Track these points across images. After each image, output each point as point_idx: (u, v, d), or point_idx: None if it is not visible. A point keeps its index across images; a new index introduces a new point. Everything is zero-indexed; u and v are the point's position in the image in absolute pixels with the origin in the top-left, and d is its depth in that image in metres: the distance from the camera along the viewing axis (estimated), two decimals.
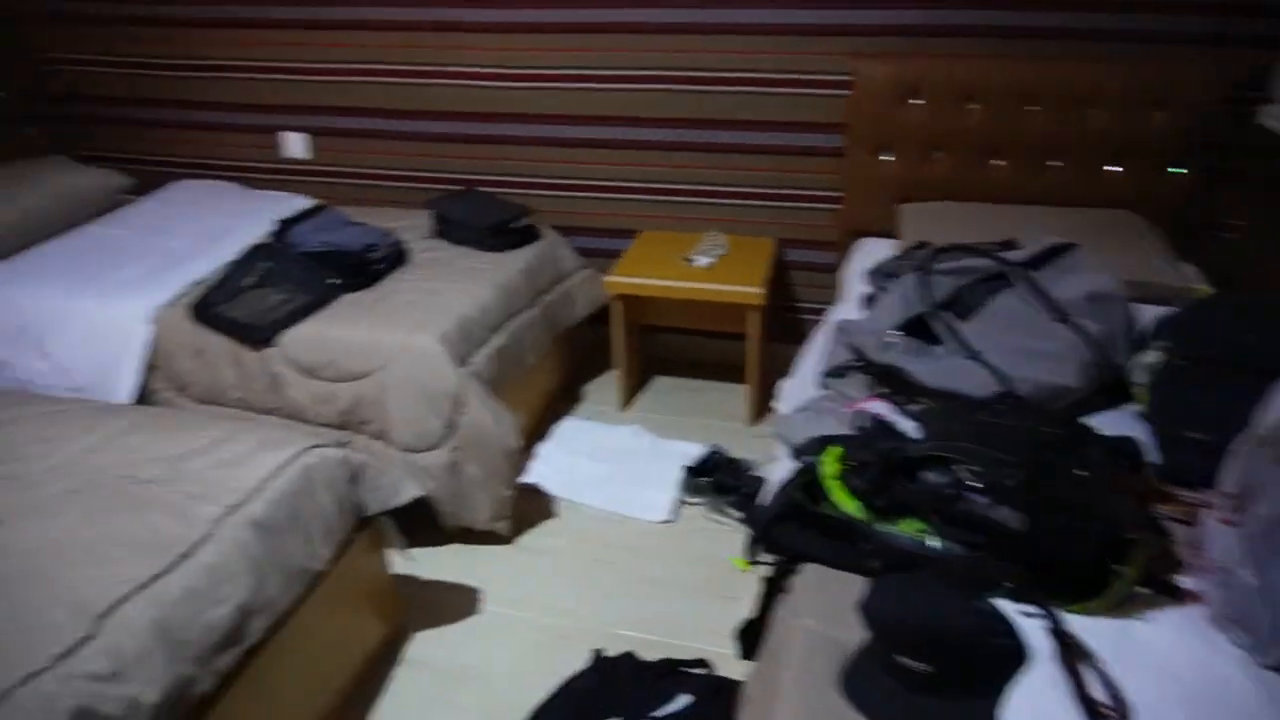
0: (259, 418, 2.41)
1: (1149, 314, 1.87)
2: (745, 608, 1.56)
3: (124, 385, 2.46)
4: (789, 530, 1.44)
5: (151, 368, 2.49)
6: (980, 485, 1.29)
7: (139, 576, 1.43)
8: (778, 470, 1.69)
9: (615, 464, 2.72)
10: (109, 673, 1.30)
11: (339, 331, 2.36)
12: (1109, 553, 1.26)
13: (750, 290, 2.69)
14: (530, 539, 2.48)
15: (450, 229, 2.89)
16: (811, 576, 1.39)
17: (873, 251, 2.54)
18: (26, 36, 3.40)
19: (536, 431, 2.88)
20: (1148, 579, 1.29)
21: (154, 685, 1.35)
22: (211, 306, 2.47)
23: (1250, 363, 1.54)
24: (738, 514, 2.49)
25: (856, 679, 1.19)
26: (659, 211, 3.12)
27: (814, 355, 2.05)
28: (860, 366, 1.83)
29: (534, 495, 2.61)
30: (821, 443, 1.52)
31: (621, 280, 2.81)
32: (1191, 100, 2.40)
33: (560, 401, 3.08)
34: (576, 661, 1.98)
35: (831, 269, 2.94)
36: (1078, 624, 1.25)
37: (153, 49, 3.37)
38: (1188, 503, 1.43)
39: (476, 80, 3.08)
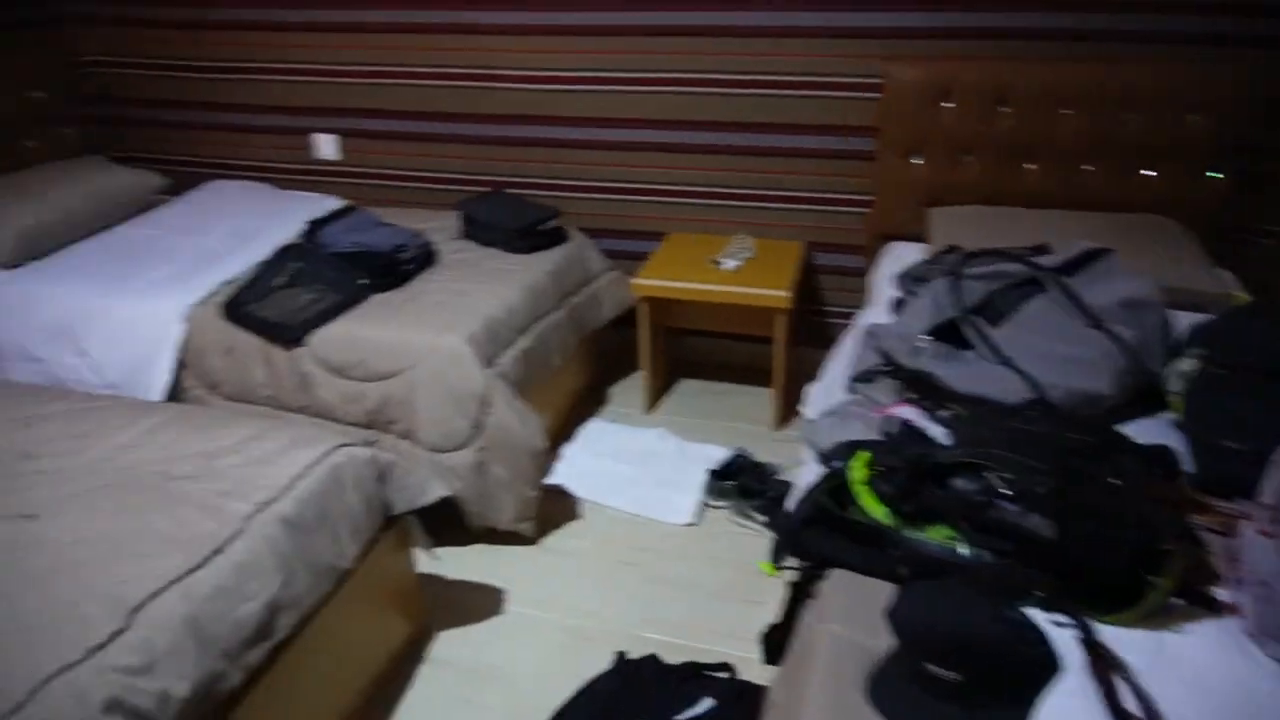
0: (288, 416, 2.43)
1: (1184, 321, 1.84)
2: (769, 612, 1.55)
3: (156, 383, 2.49)
4: (816, 535, 1.43)
5: (183, 365, 2.52)
6: (1011, 492, 1.28)
7: (171, 571, 1.45)
8: (805, 475, 1.68)
9: (640, 466, 2.72)
10: (141, 666, 1.32)
11: (368, 331, 2.38)
12: (1143, 562, 1.24)
13: (778, 294, 2.68)
14: (555, 540, 2.48)
15: (478, 230, 2.90)
16: (839, 582, 1.38)
17: (902, 256, 2.52)
18: (62, 39, 3.46)
19: (562, 433, 2.89)
20: (1182, 590, 1.27)
21: (184, 679, 1.37)
22: (242, 306, 2.49)
23: None
24: (762, 518, 2.48)
25: (884, 686, 1.18)
26: (686, 214, 3.12)
27: (842, 359, 2.04)
28: (889, 371, 1.82)
29: (559, 496, 2.61)
30: (850, 448, 1.51)
31: (648, 283, 2.81)
32: (1226, 103, 2.37)
33: (586, 403, 3.08)
34: (599, 663, 1.98)
35: (860, 273, 2.93)
36: (1110, 634, 1.23)
37: (187, 51, 3.42)
38: (1224, 513, 1.40)
39: (506, 83, 3.09)
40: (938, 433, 1.52)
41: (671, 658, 1.98)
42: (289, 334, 2.41)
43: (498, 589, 2.31)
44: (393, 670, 2.04)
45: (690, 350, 3.31)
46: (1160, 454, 1.47)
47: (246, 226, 2.95)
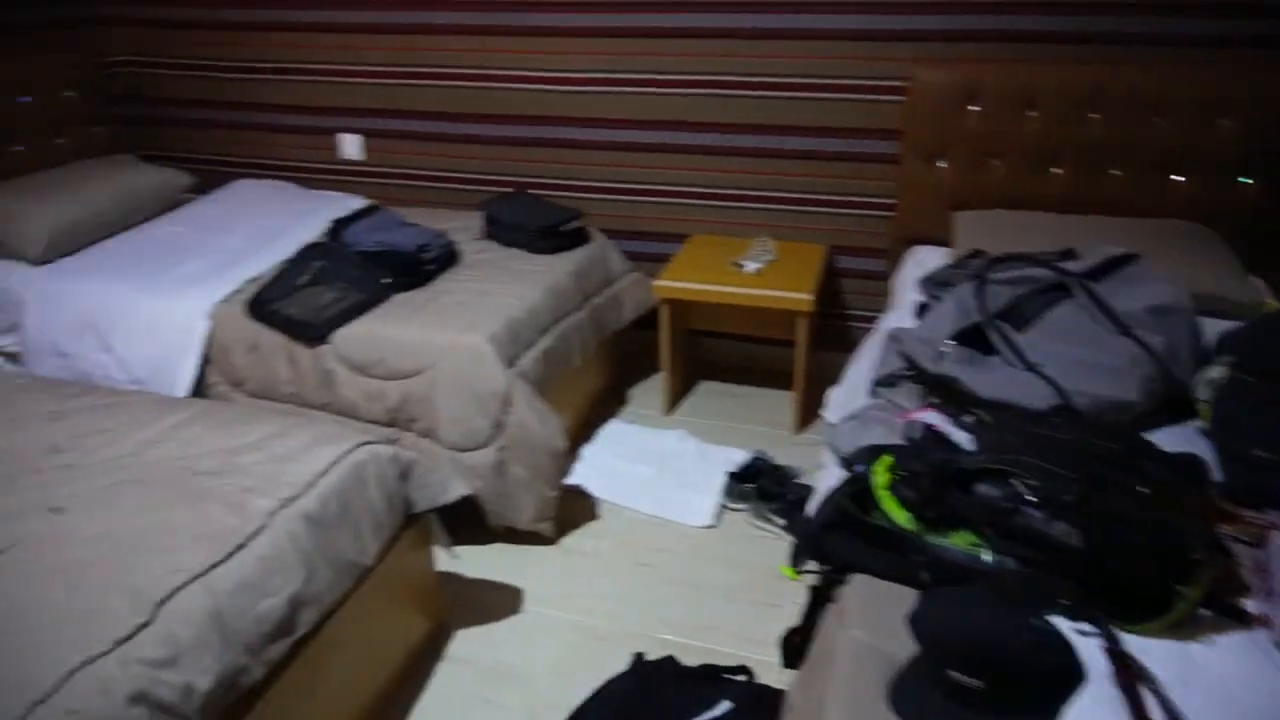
0: (311, 413, 2.45)
1: (1213, 328, 1.82)
2: (787, 615, 1.54)
3: (182, 379, 2.52)
4: (838, 539, 1.42)
5: (208, 362, 2.55)
6: (1037, 499, 1.27)
7: (196, 566, 1.46)
8: (825, 478, 1.67)
9: (659, 468, 2.72)
10: (166, 659, 1.33)
11: (390, 330, 2.39)
12: (1171, 572, 1.23)
13: (800, 296, 2.67)
14: (573, 540, 2.49)
15: (501, 231, 2.91)
16: (860, 587, 1.37)
17: (925, 260, 2.51)
18: (94, 39, 3.50)
19: (581, 434, 2.89)
20: (1210, 600, 1.25)
21: (208, 673, 1.38)
22: (267, 303, 2.52)
23: None
24: (781, 521, 2.48)
25: (906, 693, 1.17)
26: (709, 216, 3.11)
27: (864, 363, 2.03)
28: (912, 376, 1.81)
29: (578, 497, 2.61)
30: (872, 452, 1.50)
31: (670, 284, 2.80)
32: (1257, 107, 2.33)
33: (605, 404, 3.09)
34: (617, 663, 1.98)
35: (882, 276, 2.91)
36: (1136, 645, 1.22)
37: (214, 52, 3.46)
38: (1253, 523, 1.38)
39: (528, 84, 3.10)
40: (962, 438, 1.51)
41: (688, 660, 1.97)
42: (312, 332, 2.43)
43: (516, 588, 2.31)
44: (411, 667, 2.05)
45: (710, 352, 3.31)
46: (1188, 463, 1.45)
47: (272, 225, 2.98)
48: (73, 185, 2.99)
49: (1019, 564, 1.27)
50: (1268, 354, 1.62)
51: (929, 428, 1.56)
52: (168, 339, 2.54)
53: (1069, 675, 1.17)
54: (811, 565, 1.46)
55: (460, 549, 2.32)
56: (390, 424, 2.40)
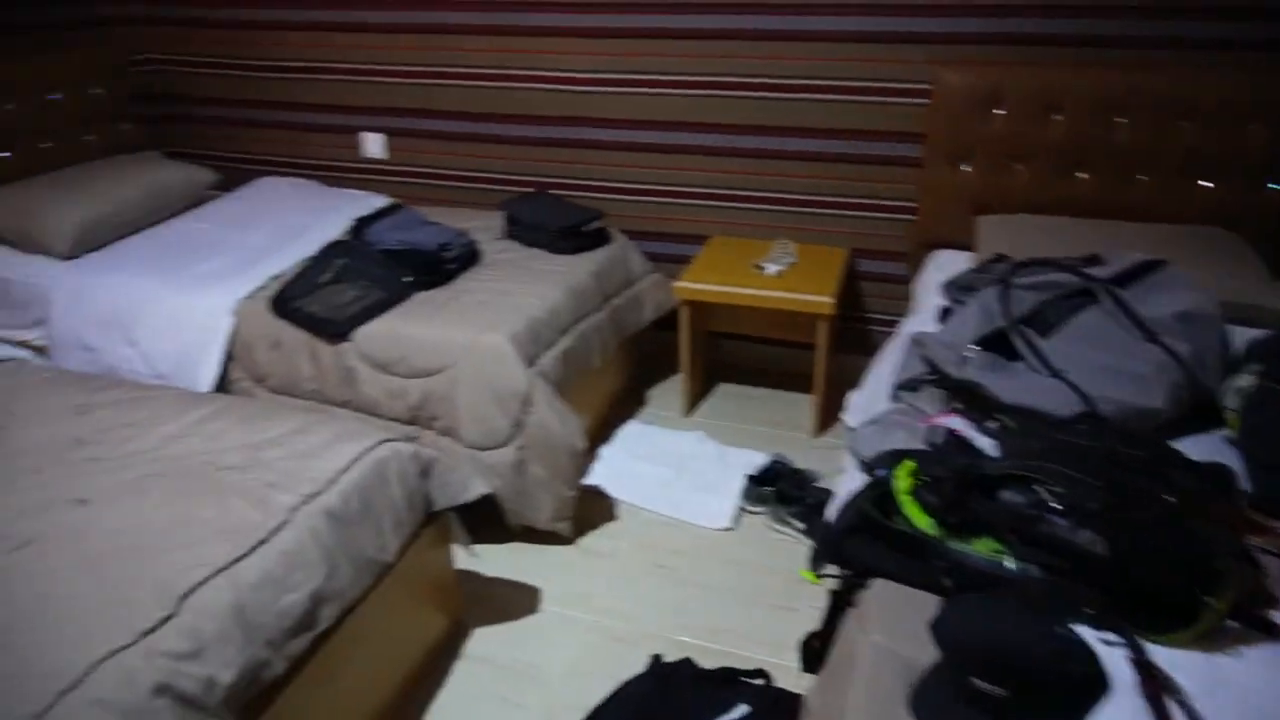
0: (333, 410, 2.46)
1: (1242, 336, 1.80)
2: (805, 619, 1.54)
3: (205, 374, 2.54)
4: (859, 544, 1.41)
5: (231, 358, 2.57)
6: (1062, 507, 1.25)
7: (219, 560, 1.47)
8: (846, 483, 1.66)
9: (677, 469, 2.72)
10: (189, 651, 1.35)
11: (412, 328, 2.41)
12: (1198, 582, 1.21)
13: (820, 299, 2.66)
14: (591, 541, 2.49)
15: (522, 231, 2.92)
16: (881, 592, 1.36)
17: (948, 264, 2.49)
18: (121, 37, 3.54)
19: (600, 434, 2.89)
20: (1238, 612, 1.24)
21: (230, 666, 1.39)
22: (290, 301, 2.53)
23: None
24: (799, 524, 2.47)
25: (927, 699, 1.16)
26: (730, 218, 3.11)
27: (885, 367, 2.02)
28: (935, 380, 1.80)
29: (596, 497, 2.62)
30: (894, 456, 1.49)
31: (690, 286, 2.80)
32: None
33: (624, 405, 3.09)
34: (634, 665, 1.98)
35: (904, 280, 2.90)
36: (1161, 655, 1.20)
37: (239, 51, 3.49)
38: None
39: (551, 84, 3.11)
40: (985, 444, 1.50)
41: (705, 662, 1.97)
42: (335, 329, 2.44)
43: (534, 587, 2.32)
44: (429, 665, 2.06)
45: (730, 354, 3.30)
46: (1216, 472, 1.44)
47: (295, 223, 3.00)
48: (100, 182, 3.02)
49: (1043, 572, 1.26)
50: None
51: (952, 433, 1.55)
52: (191, 335, 2.56)
53: (1094, 685, 1.15)
54: (832, 569, 1.46)
55: (479, 547, 2.33)
56: (411, 422, 2.41)
